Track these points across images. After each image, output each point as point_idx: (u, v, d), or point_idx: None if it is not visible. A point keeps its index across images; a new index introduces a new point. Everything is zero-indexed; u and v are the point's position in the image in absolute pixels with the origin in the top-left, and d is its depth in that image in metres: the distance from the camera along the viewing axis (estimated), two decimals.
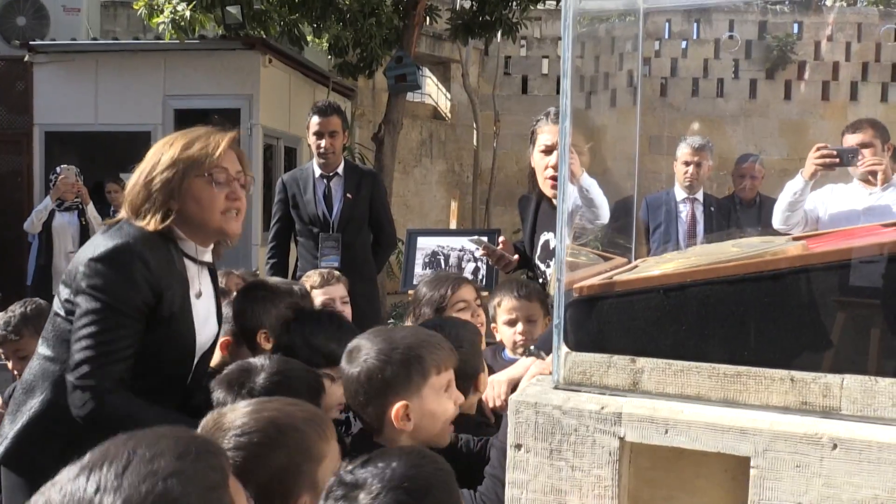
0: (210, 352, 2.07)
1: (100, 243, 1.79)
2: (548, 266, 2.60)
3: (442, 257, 6.60)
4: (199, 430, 1.23)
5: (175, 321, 1.83)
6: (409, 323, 2.66)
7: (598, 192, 2.10)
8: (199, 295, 1.94)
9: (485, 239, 3.24)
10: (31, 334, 2.67)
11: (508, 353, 2.63)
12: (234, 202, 1.90)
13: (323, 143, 4.18)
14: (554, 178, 2.45)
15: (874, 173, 3.19)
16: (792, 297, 1.32)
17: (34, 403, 1.79)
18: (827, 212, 3.36)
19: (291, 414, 1.34)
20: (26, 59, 7.72)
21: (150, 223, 1.80)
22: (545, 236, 2.69)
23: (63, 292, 1.83)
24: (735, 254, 1.41)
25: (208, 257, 2.02)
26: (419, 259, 6.52)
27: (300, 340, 2.00)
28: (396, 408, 1.58)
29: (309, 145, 4.35)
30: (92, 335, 1.71)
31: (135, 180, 1.87)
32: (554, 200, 2.57)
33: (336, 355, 1.75)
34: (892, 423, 1.21)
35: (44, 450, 1.75)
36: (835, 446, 1.19)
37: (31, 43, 7.72)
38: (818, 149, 3.01)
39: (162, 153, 1.86)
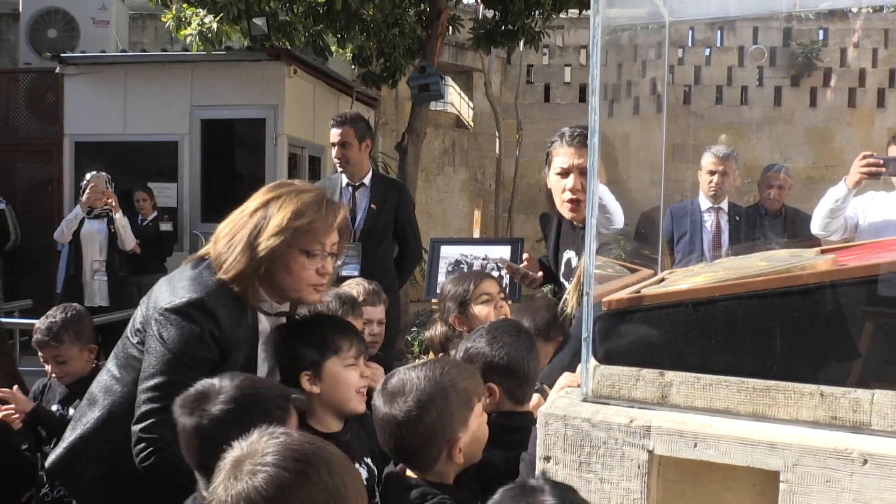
0: None
1: (178, 289, 1.77)
2: (569, 282, 2.58)
3: (465, 266, 6.62)
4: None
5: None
6: (438, 325, 2.69)
7: (611, 198, 2.08)
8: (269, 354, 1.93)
9: (507, 258, 3.27)
10: (70, 340, 2.73)
11: None
12: (322, 276, 1.85)
13: (334, 152, 4.27)
14: (571, 202, 2.44)
15: None
16: (821, 312, 1.32)
17: (91, 418, 1.82)
18: (867, 219, 3.33)
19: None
20: (57, 70, 7.86)
21: (234, 282, 1.77)
22: (567, 254, 2.67)
23: (138, 318, 1.84)
24: (764, 268, 1.41)
25: (285, 307, 1.99)
26: (442, 268, 6.54)
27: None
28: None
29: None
30: (157, 387, 1.71)
31: (231, 231, 1.81)
32: (574, 222, 2.57)
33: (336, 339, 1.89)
34: None
35: (88, 468, 1.79)
36: (865, 461, 1.19)
37: (61, 55, 7.87)
38: (864, 157, 2.98)
39: (269, 213, 1.79)
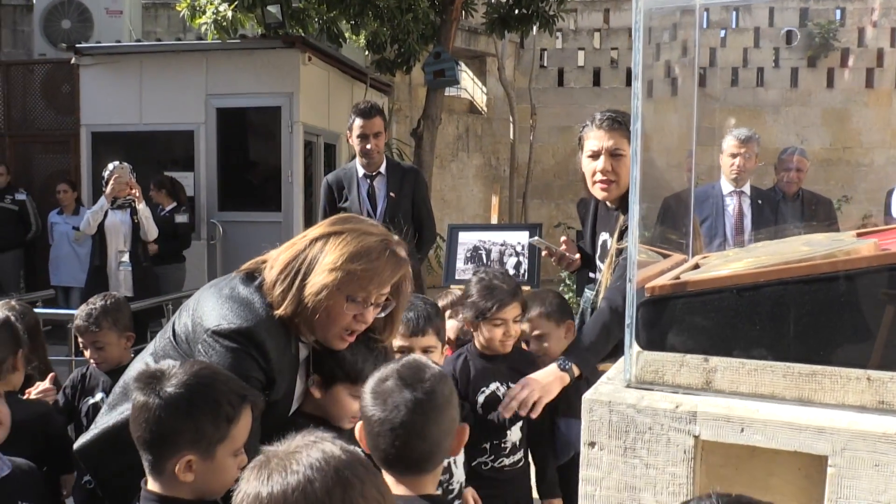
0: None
1: (227, 312, 1.72)
2: (604, 263, 2.62)
3: (483, 252, 6.63)
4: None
5: (278, 406, 1.80)
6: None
7: None
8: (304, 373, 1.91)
9: (544, 241, 3.27)
10: (109, 326, 2.77)
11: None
12: (357, 325, 1.79)
13: (369, 145, 4.23)
14: (603, 182, 2.48)
15: None
16: (866, 297, 1.32)
17: (126, 408, 1.81)
18: None
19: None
20: (73, 61, 7.89)
21: (280, 311, 1.72)
22: (602, 236, 2.70)
23: (180, 326, 1.82)
24: (806, 253, 1.41)
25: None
26: (461, 254, 6.56)
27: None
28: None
29: (350, 145, 4.42)
30: None
31: (286, 259, 1.76)
32: (608, 203, 2.62)
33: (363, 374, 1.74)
34: None
35: (115, 458, 1.77)
36: None
37: (77, 46, 7.88)
38: None
39: (326, 248, 1.74)
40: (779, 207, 4.78)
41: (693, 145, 2.24)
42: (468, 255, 6.63)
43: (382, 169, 4.39)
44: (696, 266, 1.79)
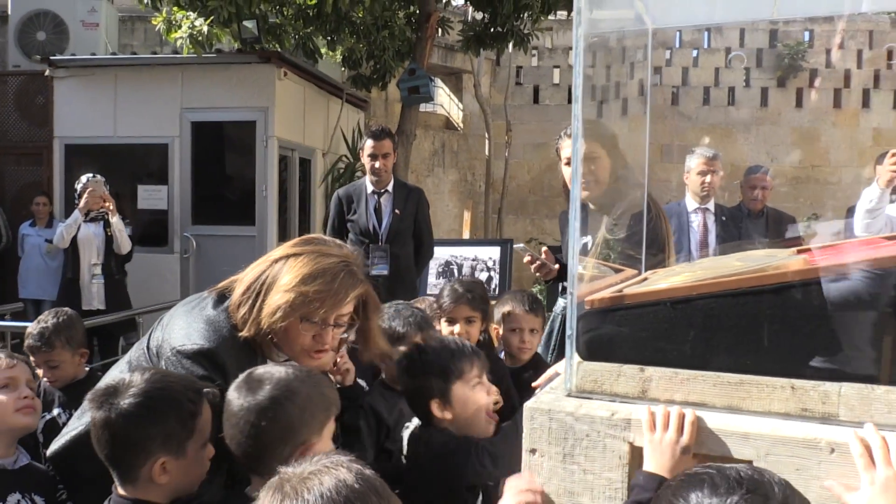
0: None
1: (192, 332, 1.76)
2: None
3: (455, 266, 6.68)
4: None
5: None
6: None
7: None
8: None
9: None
10: (62, 345, 2.73)
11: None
12: (317, 345, 1.80)
13: (377, 164, 4.63)
14: (583, 183, 2.63)
15: None
16: (792, 309, 1.39)
17: None
18: None
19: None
20: (46, 73, 7.87)
21: (244, 332, 1.75)
22: (583, 240, 2.85)
23: (153, 341, 1.84)
24: (739, 268, 1.48)
25: None
26: (433, 268, 6.61)
27: None
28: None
29: (362, 163, 4.85)
30: None
31: (249, 280, 1.80)
32: (590, 206, 2.82)
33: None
34: (888, 428, 1.28)
35: (88, 464, 1.75)
36: (832, 450, 1.26)
37: (51, 58, 7.87)
38: (893, 155, 3.02)
39: (283, 269, 1.77)
40: (745, 224, 4.90)
41: (646, 163, 2.32)
42: (440, 269, 6.68)
43: (390, 187, 4.76)
44: (645, 280, 1.86)
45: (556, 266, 3.12)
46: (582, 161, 1.44)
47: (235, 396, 1.56)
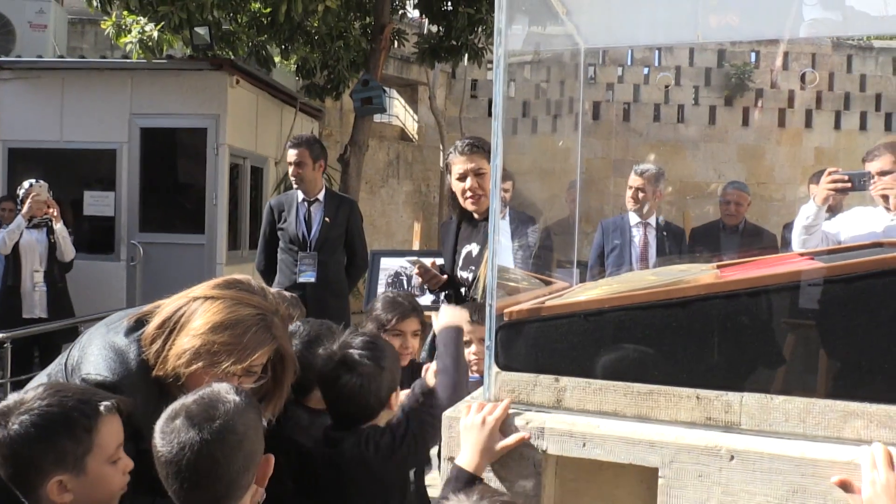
0: None
1: (100, 361, 1.71)
2: (470, 272, 3.10)
3: (405, 278, 6.71)
4: None
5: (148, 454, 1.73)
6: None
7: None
8: None
9: (421, 259, 3.55)
10: None
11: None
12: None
13: (291, 172, 4.71)
14: (471, 198, 3.02)
15: (886, 197, 3.19)
16: (698, 322, 1.45)
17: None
18: (849, 234, 3.36)
19: None
20: None
21: (155, 370, 1.70)
22: (467, 248, 3.14)
23: (76, 350, 1.80)
24: (651, 282, 1.54)
25: None
26: (382, 279, 6.63)
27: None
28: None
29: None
30: None
31: (166, 314, 1.74)
32: (475, 215, 3.12)
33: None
34: (785, 436, 1.35)
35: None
36: (732, 457, 1.32)
37: None
38: (830, 173, 3.08)
39: (199, 311, 1.72)
40: (720, 237, 5.05)
41: (578, 177, 2.38)
42: (389, 280, 6.70)
43: (321, 196, 4.79)
44: (568, 293, 1.91)
45: (445, 276, 3.28)
46: (499, 180, 1.49)
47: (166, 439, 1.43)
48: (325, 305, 4.42)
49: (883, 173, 3.22)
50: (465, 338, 2.79)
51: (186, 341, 1.67)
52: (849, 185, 3.08)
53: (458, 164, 3.04)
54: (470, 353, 2.71)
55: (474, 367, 2.88)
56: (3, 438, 1.47)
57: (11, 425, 1.48)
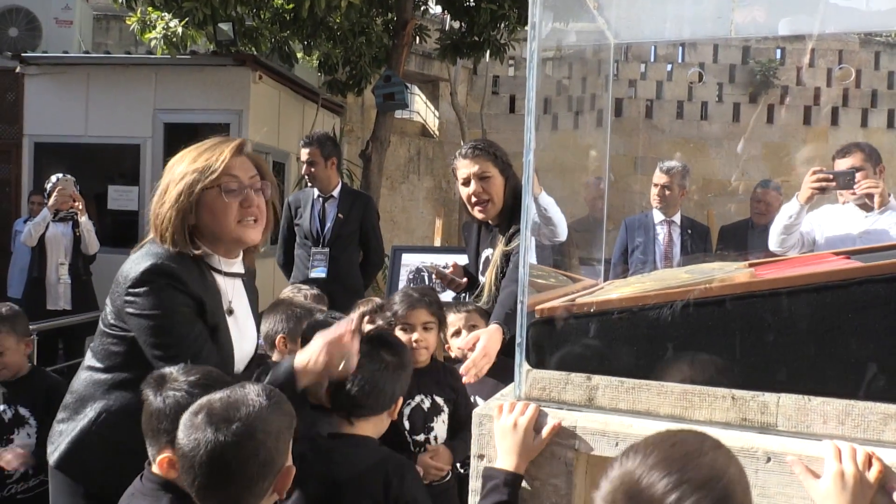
0: (252, 362, 2.07)
1: (131, 269, 1.82)
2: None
3: (426, 273, 6.70)
4: None
5: (218, 331, 1.88)
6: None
7: (556, 211, 2.32)
8: (230, 311, 1.96)
9: (438, 266, 3.54)
10: (7, 331, 2.92)
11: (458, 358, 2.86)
12: (247, 209, 1.89)
13: (303, 168, 4.80)
14: (477, 204, 2.85)
15: (871, 196, 3.15)
16: (735, 321, 1.42)
17: (89, 411, 1.87)
18: (823, 234, 3.34)
19: None
20: (18, 70, 7.77)
21: (176, 245, 1.83)
22: (485, 253, 3.01)
23: (108, 310, 1.90)
24: (685, 280, 1.51)
25: (238, 268, 2.02)
26: (403, 275, 6.63)
27: None
28: None
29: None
30: (164, 356, 1.76)
31: (154, 201, 1.90)
32: (489, 222, 2.97)
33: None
34: (823, 438, 1.32)
35: (96, 455, 1.85)
36: (769, 459, 1.29)
37: (22, 55, 7.77)
38: (814, 172, 3.02)
39: (173, 170, 1.90)
40: (750, 236, 5.00)
41: (606, 174, 2.35)
42: (411, 276, 6.70)
43: (336, 193, 4.82)
44: (598, 291, 1.89)
45: (465, 279, 3.19)
46: (532, 175, 1.47)
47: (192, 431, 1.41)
48: (338, 301, 4.41)
49: (855, 170, 3.16)
50: (455, 327, 2.79)
51: (178, 188, 1.83)
52: (833, 183, 3.03)
53: (462, 169, 2.88)
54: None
55: (457, 354, 2.81)
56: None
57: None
